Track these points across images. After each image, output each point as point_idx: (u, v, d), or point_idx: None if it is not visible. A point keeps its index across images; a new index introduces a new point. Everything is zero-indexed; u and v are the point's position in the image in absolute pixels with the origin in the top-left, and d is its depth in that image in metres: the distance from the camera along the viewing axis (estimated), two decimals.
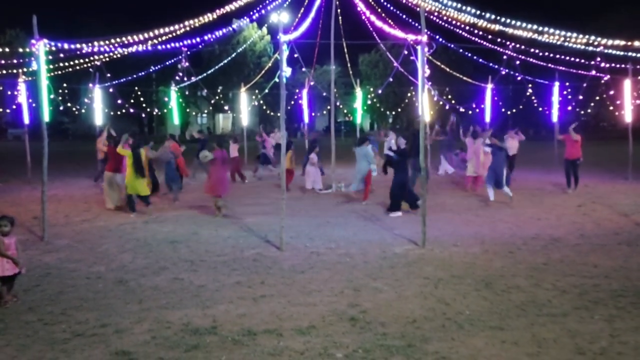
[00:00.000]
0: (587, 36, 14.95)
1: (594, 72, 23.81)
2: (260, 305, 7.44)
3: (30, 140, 22.02)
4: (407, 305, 7.39)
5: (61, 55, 18.65)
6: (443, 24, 18.36)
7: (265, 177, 22.30)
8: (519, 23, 15.15)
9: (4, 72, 22.28)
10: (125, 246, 10.99)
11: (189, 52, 23.94)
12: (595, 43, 15.24)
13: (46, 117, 11.93)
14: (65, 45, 13.20)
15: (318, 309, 7.30)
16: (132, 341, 6.29)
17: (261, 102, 37.21)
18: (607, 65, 23.19)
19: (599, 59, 22.60)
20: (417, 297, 7.73)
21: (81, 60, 21.85)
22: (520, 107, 36.20)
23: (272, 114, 39.26)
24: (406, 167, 14.54)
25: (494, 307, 7.33)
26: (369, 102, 43.20)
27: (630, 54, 18.78)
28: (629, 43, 13.74)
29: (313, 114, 34.73)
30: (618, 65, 23.27)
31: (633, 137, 21.32)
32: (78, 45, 14.02)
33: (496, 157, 15.48)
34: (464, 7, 15.43)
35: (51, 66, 19.49)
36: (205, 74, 29.11)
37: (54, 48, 12.92)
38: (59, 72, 22.58)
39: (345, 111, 58.51)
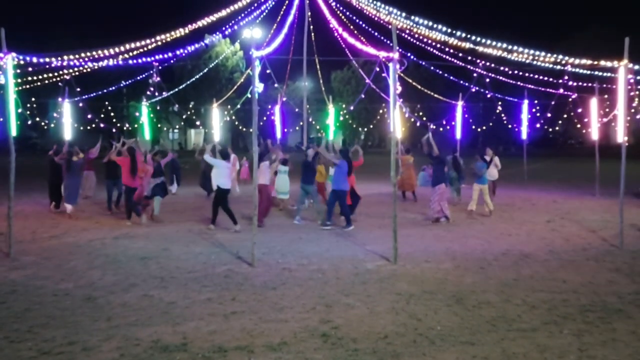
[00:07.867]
0: (555, 55, 15.23)
1: (562, 91, 24.26)
2: (231, 322, 7.37)
3: None
4: (378, 321, 7.39)
5: (30, 69, 18.47)
6: (415, 41, 18.61)
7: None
8: (489, 41, 15.41)
9: None
10: (94, 262, 10.81)
11: (160, 67, 23.85)
12: (563, 62, 15.53)
13: (14, 131, 11.73)
14: (34, 59, 13.06)
15: (290, 325, 7.25)
16: (100, 359, 6.18)
17: (233, 117, 37.13)
18: (575, 83, 23.69)
19: (566, 77, 23.06)
20: (389, 313, 7.73)
21: (50, 74, 21.63)
22: (490, 124, 36.75)
23: (244, 129, 39.17)
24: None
25: (465, 322, 7.36)
26: (341, 118, 43.39)
27: (596, 73, 19.21)
28: (596, 62, 14.02)
29: (285, 130, 34.70)
30: (585, 84, 23.81)
31: (600, 154, 21.71)
32: (47, 59, 13.88)
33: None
34: (435, 25, 15.67)
35: (19, 80, 19.24)
36: (176, 89, 29.05)
37: (22, 62, 12.77)
38: (28, 86, 22.30)
39: (317, 127, 58.75)
